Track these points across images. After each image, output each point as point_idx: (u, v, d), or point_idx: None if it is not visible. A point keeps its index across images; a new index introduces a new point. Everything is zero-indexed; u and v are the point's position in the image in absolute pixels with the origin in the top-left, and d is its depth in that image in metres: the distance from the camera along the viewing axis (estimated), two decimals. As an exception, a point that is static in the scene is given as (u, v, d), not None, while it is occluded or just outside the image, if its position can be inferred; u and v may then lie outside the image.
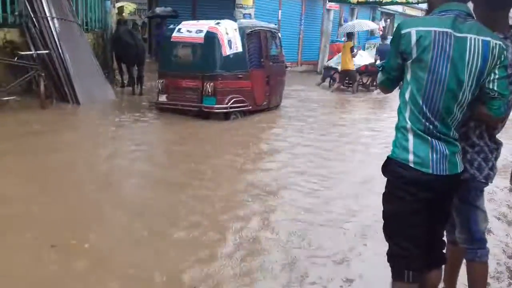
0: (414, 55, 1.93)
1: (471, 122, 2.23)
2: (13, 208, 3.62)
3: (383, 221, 2.16)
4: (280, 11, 17.47)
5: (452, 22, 1.91)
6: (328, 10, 18.54)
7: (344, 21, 20.63)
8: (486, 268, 2.49)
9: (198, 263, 2.97)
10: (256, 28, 8.47)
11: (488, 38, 1.92)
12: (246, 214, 3.81)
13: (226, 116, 7.77)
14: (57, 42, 8.07)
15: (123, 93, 10.05)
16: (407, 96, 2.00)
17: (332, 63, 13.64)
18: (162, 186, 4.49)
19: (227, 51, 7.73)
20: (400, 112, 2.05)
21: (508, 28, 2.24)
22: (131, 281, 2.76)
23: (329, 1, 16.35)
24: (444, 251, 2.28)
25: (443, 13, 1.96)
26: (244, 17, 14.01)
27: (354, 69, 12.53)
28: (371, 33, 22.89)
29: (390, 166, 2.06)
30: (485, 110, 2.03)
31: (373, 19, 23.64)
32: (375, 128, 8.03)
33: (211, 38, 7.64)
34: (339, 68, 12.64)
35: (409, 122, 1.99)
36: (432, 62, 1.90)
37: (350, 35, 13.41)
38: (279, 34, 9.35)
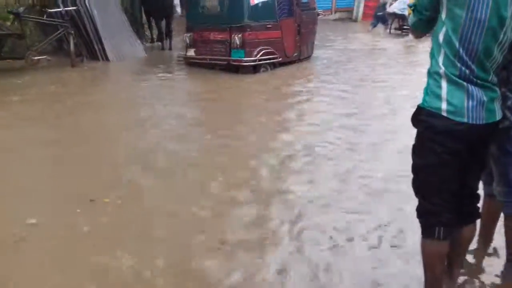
0: None
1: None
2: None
3: (412, 175, 2.02)
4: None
5: None
6: (364, -48, 17.46)
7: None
8: (525, 222, 2.32)
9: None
10: (286, -25, 8.06)
11: None
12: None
13: (255, 68, 7.57)
14: (85, -1, 7.99)
15: (153, 49, 9.97)
16: (441, 37, 1.79)
17: (395, 9, 13.54)
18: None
19: (255, 0, 7.43)
20: (432, 56, 1.85)
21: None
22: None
23: None
24: (479, 205, 2.13)
25: None
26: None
27: None
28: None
29: (421, 116, 1.89)
30: None
31: (413, -40, 22.19)
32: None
33: (238, -13, 7.35)
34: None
35: (442, 66, 1.80)
36: None
37: None
38: (309, -20, 8.87)
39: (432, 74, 1.85)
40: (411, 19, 1.99)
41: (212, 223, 2.89)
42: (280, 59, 7.94)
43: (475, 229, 2.18)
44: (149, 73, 7.52)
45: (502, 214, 2.40)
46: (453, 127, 1.80)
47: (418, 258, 2.12)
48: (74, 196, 3.15)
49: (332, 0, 18.01)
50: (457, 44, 1.75)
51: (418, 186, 2.02)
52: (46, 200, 3.13)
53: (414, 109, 1.93)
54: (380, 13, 14.37)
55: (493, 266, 2.49)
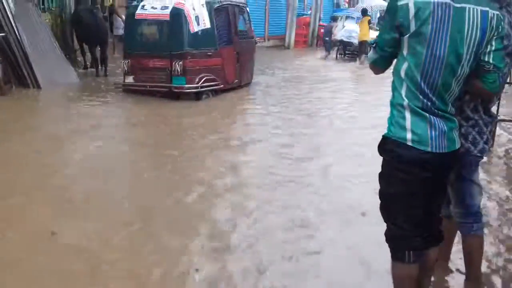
0: (413, 28, 1.80)
1: (466, 95, 2.15)
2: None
3: (381, 202, 2.08)
4: (244, -16, 17.07)
5: None
6: (293, -17, 18.25)
7: (309, -6, 20.44)
8: (481, 241, 2.48)
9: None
10: (224, 3, 8.19)
11: (486, 8, 1.82)
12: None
13: (197, 96, 7.54)
14: (13, 24, 7.56)
15: (87, 75, 9.58)
16: (402, 72, 1.88)
17: (342, 36, 15.07)
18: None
19: (195, 27, 7.45)
20: (395, 88, 1.94)
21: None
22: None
23: None
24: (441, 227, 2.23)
25: None
26: None
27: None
28: (336, 6, 22.86)
29: (387, 146, 1.97)
30: (480, 84, 1.94)
31: (338, -9, 23.57)
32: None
33: (177, 14, 7.36)
34: (355, 40, 14.28)
35: (406, 99, 1.88)
36: (431, 36, 1.79)
37: (365, 11, 14.71)
38: (247, 9, 9.09)
39: (396, 105, 1.93)
40: (371, 57, 2.04)
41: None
42: (222, 86, 7.97)
43: (437, 251, 2.27)
44: (84, 99, 7.22)
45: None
46: (419, 156, 1.88)
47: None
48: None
49: (265, 28, 18.54)
50: (419, 79, 1.84)
51: (387, 212, 2.08)
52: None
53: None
54: (327, 38, 15.83)
55: (454, 284, 2.60)
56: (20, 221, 3.21)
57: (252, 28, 9.51)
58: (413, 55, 1.84)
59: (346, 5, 24.05)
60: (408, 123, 1.88)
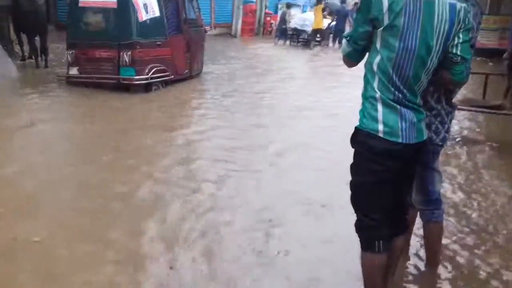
0: (386, 21, 1.84)
1: (430, 86, 2.22)
2: None
3: (351, 193, 2.12)
4: (189, -29, 16.68)
5: None
6: (239, -31, 18.09)
7: (254, -19, 20.30)
8: (441, 228, 2.59)
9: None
10: (173, -9, 7.96)
11: (454, 1, 1.89)
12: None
13: (147, 87, 7.31)
14: None
15: (25, 67, 9.03)
16: (375, 65, 1.93)
17: (295, 24, 15.73)
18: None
19: (143, 16, 7.21)
20: (367, 81, 1.98)
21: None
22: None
23: None
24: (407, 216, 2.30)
25: None
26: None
27: (324, 28, 15.01)
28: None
29: (359, 137, 2.01)
30: (448, 76, 2.01)
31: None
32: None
33: (124, 2, 7.11)
34: (310, 28, 14.96)
35: (378, 91, 1.93)
36: (404, 29, 1.84)
37: (319, 0, 15.23)
38: (196, -4, 8.89)
39: (368, 98, 1.97)
40: (344, 50, 2.05)
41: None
42: (172, 76, 7.79)
43: (405, 239, 2.36)
44: (25, 93, 6.81)
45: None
46: (390, 147, 1.94)
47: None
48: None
49: (211, 16, 18.28)
50: (391, 71, 1.89)
51: (358, 202, 2.13)
52: None
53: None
54: (284, 26, 16.22)
55: (414, 270, 2.71)
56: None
57: (202, 16, 9.33)
58: (386, 48, 1.88)
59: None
60: (380, 115, 1.93)
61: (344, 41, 2.05)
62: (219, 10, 18.90)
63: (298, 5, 18.74)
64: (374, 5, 1.84)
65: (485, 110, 5.29)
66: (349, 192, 2.12)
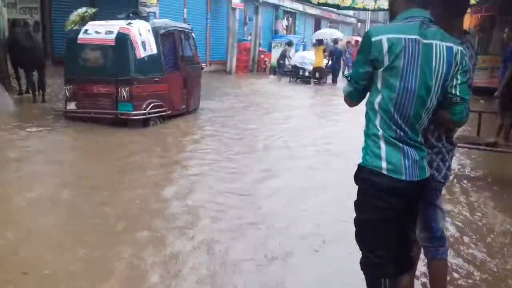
0: (386, 62, 1.90)
1: (431, 125, 2.26)
2: None
3: (356, 230, 2.12)
4: (185, 9, 17.11)
5: (419, 28, 1.92)
6: (234, 9, 18.56)
7: (249, 20, 20.84)
8: (446, 264, 2.58)
9: None
10: (170, 28, 8.15)
11: (451, 44, 1.95)
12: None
13: (144, 122, 7.36)
14: None
15: (23, 101, 9.09)
16: (376, 104, 1.97)
17: (295, 62, 16.62)
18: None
19: (141, 53, 7.33)
20: (369, 120, 2.02)
21: (463, 33, 2.32)
22: None
23: None
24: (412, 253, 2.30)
25: (409, 20, 1.95)
26: (148, 16, 13.53)
27: (324, 66, 16.00)
28: (275, 32, 23.48)
29: (363, 174, 2.03)
30: (448, 115, 2.06)
31: (276, 18, 24.25)
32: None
33: (123, 39, 7.20)
34: (310, 67, 15.96)
35: (380, 129, 1.96)
36: (403, 70, 1.89)
37: (320, 41, 17.08)
38: (193, 34, 9.08)
39: (370, 136, 2.00)
40: (346, 90, 2.10)
41: None
42: (169, 112, 7.86)
43: (411, 277, 2.34)
44: (23, 127, 6.80)
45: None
46: (394, 184, 1.96)
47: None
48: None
49: (206, 53, 18.60)
50: (392, 110, 1.93)
51: (363, 239, 2.12)
52: None
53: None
54: (282, 61, 17.12)
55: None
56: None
57: (198, 53, 9.50)
58: (387, 88, 1.93)
59: (284, 31, 24.77)
60: (383, 153, 1.96)
61: (345, 81, 2.11)
62: (214, 47, 19.27)
63: (292, 44, 19.23)
64: (374, 47, 1.90)
65: (480, 147, 5.37)
66: (352, 229, 2.12)
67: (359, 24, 39.97)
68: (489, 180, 5.23)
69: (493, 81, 11.55)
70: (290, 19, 26.51)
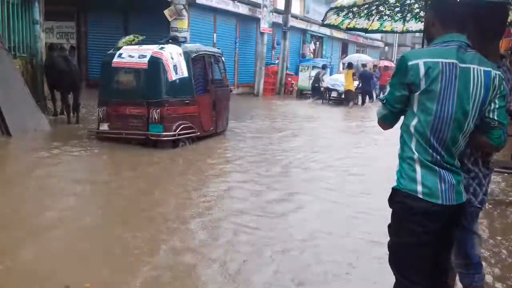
0: (423, 86, 1.90)
1: (468, 149, 2.24)
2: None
3: (390, 254, 2.09)
4: (215, 34, 17.52)
5: (456, 52, 1.92)
6: (262, 33, 18.88)
7: (277, 44, 21.12)
8: (483, 292, 2.50)
9: None
10: (201, 52, 8.33)
11: (489, 69, 1.94)
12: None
13: (174, 143, 7.49)
14: (-16, 70, 7.41)
15: (57, 122, 9.39)
16: (412, 127, 1.97)
17: (328, 84, 17.35)
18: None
19: (173, 76, 7.51)
20: (404, 142, 2.01)
21: (499, 57, 2.30)
22: None
23: (322, 25, 18.34)
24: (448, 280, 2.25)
25: (446, 44, 1.95)
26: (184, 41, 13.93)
27: (353, 89, 16.64)
28: (302, 56, 23.70)
29: (397, 197, 2.02)
30: (486, 139, 2.03)
31: (304, 42, 24.50)
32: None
33: (155, 63, 7.40)
34: (341, 88, 16.66)
35: (416, 153, 1.96)
36: (440, 93, 1.89)
37: (350, 65, 17.36)
38: (223, 58, 9.27)
39: (405, 159, 1.99)
40: (380, 113, 2.10)
41: None
42: (198, 133, 7.98)
43: None
44: (58, 147, 7.03)
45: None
46: (429, 208, 1.93)
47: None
48: None
49: (235, 76, 18.90)
50: (428, 133, 1.93)
51: (397, 264, 2.09)
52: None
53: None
54: (316, 84, 17.81)
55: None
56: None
57: (227, 76, 9.67)
58: (423, 112, 1.93)
59: (311, 55, 24.97)
60: (418, 176, 1.94)
61: (380, 104, 2.11)
62: (242, 70, 19.59)
63: (318, 67, 19.41)
64: (411, 71, 1.91)
65: (515, 171, 5.24)
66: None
67: (386, 47, 39.93)
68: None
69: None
70: (318, 43, 26.76)
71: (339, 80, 17.08)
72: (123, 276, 3.16)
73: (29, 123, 8.05)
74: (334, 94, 17.38)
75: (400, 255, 2.06)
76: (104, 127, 7.67)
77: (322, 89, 17.61)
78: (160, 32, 13.99)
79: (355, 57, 23.86)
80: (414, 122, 1.96)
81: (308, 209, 4.80)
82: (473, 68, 1.91)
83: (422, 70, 1.89)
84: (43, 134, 8.12)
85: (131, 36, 8.55)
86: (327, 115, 14.21)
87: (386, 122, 2.11)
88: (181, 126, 7.53)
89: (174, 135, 7.42)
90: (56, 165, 6.10)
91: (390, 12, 3.54)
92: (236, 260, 3.46)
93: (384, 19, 3.65)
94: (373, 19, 3.56)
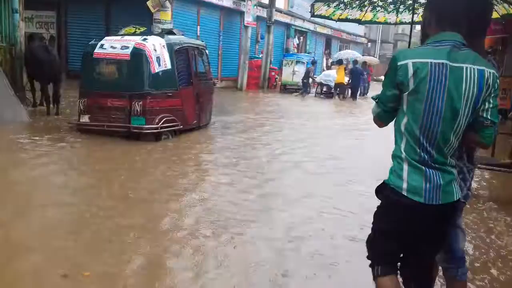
0: (411, 86, 1.92)
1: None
2: None
3: (369, 234, 2.23)
4: (198, 26, 17.36)
5: (448, 53, 1.92)
6: (246, 27, 18.78)
7: (261, 38, 21.06)
8: (465, 286, 2.52)
9: None
10: (184, 45, 8.24)
11: (483, 67, 1.93)
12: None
13: (156, 136, 7.40)
14: (-40, 59, 7.18)
15: (36, 114, 9.18)
16: (403, 126, 2.00)
17: (320, 79, 18.67)
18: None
19: (156, 68, 7.41)
20: (396, 141, 2.06)
21: (485, 54, 2.31)
22: None
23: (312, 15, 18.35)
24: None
25: (438, 44, 1.96)
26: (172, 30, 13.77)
27: (345, 83, 18.24)
28: (286, 51, 23.69)
29: (385, 191, 2.08)
30: (478, 138, 2.04)
31: (288, 37, 24.47)
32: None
33: (138, 54, 7.30)
34: (332, 83, 18.13)
35: (404, 152, 2.00)
36: (428, 93, 1.90)
37: (340, 61, 19.64)
38: (206, 51, 9.19)
39: (396, 157, 2.05)
40: (374, 111, 2.14)
41: None
42: (181, 126, 7.90)
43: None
44: (37, 139, 6.88)
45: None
46: (412, 205, 1.98)
47: None
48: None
49: (218, 69, 18.77)
50: (418, 133, 1.95)
51: (372, 242, 2.23)
52: None
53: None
54: (305, 80, 18.67)
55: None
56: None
57: (211, 70, 9.59)
58: (412, 111, 1.95)
59: (295, 50, 24.97)
60: (405, 174, 1.99)
61: (373, 103, 2.14)
62: (225, 64, 19.47)
63: (303, 62, 19.46)
64: (400, 71, 1.93)
65: (495, 168, 5.32)
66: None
67: (369, 44, 40.23)
68: (500, 201, 5.16)
69: (504, 103, 11.51)
70: (301, 38, 26.75)
71: (331, 76, 18.33)
72: (122, 264, 3.15)
73: (7, 114, 7.86)
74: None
75: (377, 237, 2.18)
76: (85, 119, 7.54)
77: (311, 84, 18.90)
78: (142, 24, 13.79)
79: (347, 53, 25.71)
80: (404, 121, 1.98)
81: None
82: (466, 67, 1.91)
83: (410, 71, 1.91)
84: (22, 125, 7.93)
85: (131, 27, 8.40)
86: (318, 109, 14.53)
87: (380, 120, 2.15)
88: (164, 119, 7.45)
89: (156, 128, 7.33)
90: (35, 157, 5.95)
91: (383, 3, 3.54)
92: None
93: (377, 10, 3.66)
94: (366, 9, 3.56)
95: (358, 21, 3.49)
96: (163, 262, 3.28)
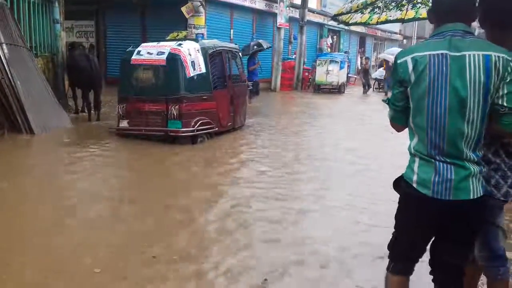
0: (413, 80, 1.94)
1: (486, 139, 2.19)
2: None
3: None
4: (232, 30, 17.52)
5: (448, 43, 1.91)
6: (279, 28, 18.81)
7: (293, 39, 21.02)
8: (507, 285, 2.46)
9: None
10: (218, 48, 8.37)
11: (489, 53, 1.87)
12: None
13: (193, 139, 7.55)
14: (7, 69, 7.56)
15: (78, 120, 9.54)
16: (411, 122, 2.03)
17: (375, 76, 21.71)
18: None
19: (191, 72, 7.56)
20: (409, 137, 2.09)
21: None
22: None
23: (330, 20, 18.67)
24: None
25: (437, 37, 1.97)
26: (197, 37, 13.97)
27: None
28: (319, 50, 23.54)
29: (401, 183, 2.14)
30: (498, 126, 2.00)
31: (321, 36, 24.33)
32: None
33: (174, 59, 7.47)
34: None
35: (415, 147, 2.03)
36: (430, 85, 1.91)
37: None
38: (240, 54, 9.29)
39: (410, 151, 2.08)
40: (389, 115, 2.16)
41: None
42: (216, 128, 8.03)
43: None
44: (80, 144, 7.17)
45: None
46: (420, 197, 2.01)
47: None
48: None
49: (252, 72, 18.85)
50: (426, 126, 1.95)
51: (395, 233, 2.27)
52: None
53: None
54: (364, 80, 20.23)
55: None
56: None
57: (244, 72, 9.68)
58: (416, 105, 1.97)
59: (329, 49, 24.79)
60: (415, 167, 2.03)
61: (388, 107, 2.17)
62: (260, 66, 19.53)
63: (337, 61, 19.29)
64: (400, 68, 1.98)
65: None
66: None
67: (404, 40, 39.37)
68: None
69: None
70: (335, 37, 26.52)
71: (382, 72, 20.87)
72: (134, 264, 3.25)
73: (51, 121, 8.19)
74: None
75: (397, 228, 2.23)
76: (124, 124, 7.77)
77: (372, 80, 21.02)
78: (178, 29, 14.11)
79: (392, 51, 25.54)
80: (412, 116, 2.01)
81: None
82: (469, 54, 1.87)
83: (410, 66, 1.94)
84: (65, 131, 8.26)
85: (174, 32, 8.74)
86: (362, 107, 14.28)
87: (395, 122, 2.17)
88: (199, 122, 7.59)
89: (192, 131, 7.48)
90: (80, 161, 6.20)
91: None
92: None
93: (417, 6, 3.65)
94: (406, 8, 3.54)
95: (401, 21, 3.46)
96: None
